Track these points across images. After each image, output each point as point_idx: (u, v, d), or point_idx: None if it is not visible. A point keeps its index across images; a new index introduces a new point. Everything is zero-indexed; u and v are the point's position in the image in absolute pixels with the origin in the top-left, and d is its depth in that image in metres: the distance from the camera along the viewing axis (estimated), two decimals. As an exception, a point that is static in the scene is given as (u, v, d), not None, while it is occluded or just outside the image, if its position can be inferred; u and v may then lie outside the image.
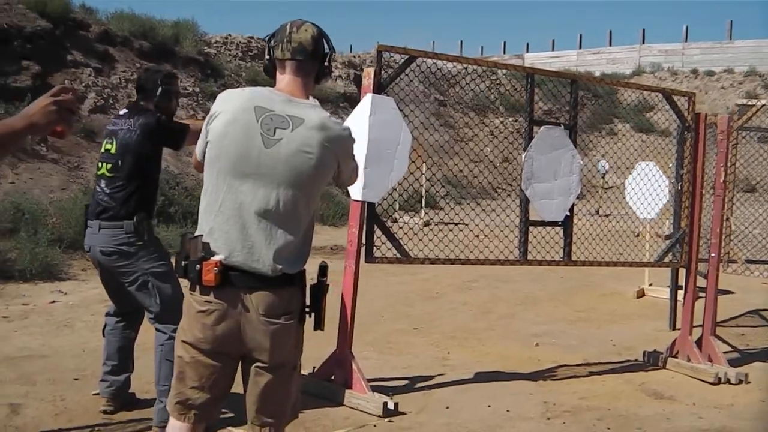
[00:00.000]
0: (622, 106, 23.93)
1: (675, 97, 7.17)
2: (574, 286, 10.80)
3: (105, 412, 5.00)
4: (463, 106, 25.51)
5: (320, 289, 3.13)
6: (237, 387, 3.18)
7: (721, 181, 6.87)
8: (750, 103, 7.34)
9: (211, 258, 2.96)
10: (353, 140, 3.20)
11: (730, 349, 7.71)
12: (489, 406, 5.73)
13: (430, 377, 6.36)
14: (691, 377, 6.70)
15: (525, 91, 6.44)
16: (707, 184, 7.20)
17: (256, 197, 2.96)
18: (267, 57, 3.18)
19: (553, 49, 46.26)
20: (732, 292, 10.26)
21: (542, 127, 6.37)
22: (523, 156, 6.23)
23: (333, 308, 5.75)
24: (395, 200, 15.65)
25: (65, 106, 2.54)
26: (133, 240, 4.67)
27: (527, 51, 46.92)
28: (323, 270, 3.14)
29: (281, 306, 3.00)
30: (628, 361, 7.19)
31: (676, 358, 7.00)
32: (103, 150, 4.88)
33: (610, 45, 42.82)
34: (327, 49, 3.20)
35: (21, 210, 10.39)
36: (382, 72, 5.71)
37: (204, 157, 3.09)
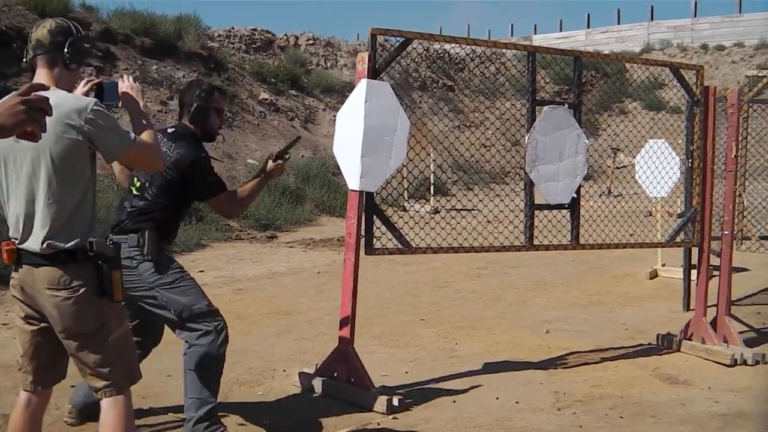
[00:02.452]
0: (631, 84, 23.65)
1: (683, 72, 6.97)
2: (586, 269, 10.62)
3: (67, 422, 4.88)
4: (472, 91, 25.27)
5: (100, 265, 3.37)
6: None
7: (733, 156, 6.66)
8: (761, 74, 7.10)
9: (8, 240, 3.39)
10: (100, 111, 3.32)
11: (746, 328, 7.50)
12: (497, 398, 5.55)
13: (438, 370, 6.20)
14: (707, 360, 6.50)
15: (527, 71, 6.24)
16: (718, 159, 6.99)
17: (21, 183, 3.31)
18: (25, 60, 3.48)
19: (561, 30, 45.86)
20: (747, 270, 10.07)
21: (545, 107, 6.18)
22: (527, 138, 6.05)
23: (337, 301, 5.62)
24: (405, 189, 15.46)
25: (35, 106, 2.35)
26: (135, 254, 4.45)
27: (535, 33, 46.57)
28: (91, 245, 3.33)
29: (63, 279, 3.30)
30: (642, 345, 7.00)
31: (691, 340, 6.80)
32: None
33: (619, 23, 42.44)
34: (71, 37, 3.43)
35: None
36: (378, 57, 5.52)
37: None
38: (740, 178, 6.78)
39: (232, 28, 23.51)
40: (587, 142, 6.28)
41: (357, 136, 5.24)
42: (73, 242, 3.31)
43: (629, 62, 7.69)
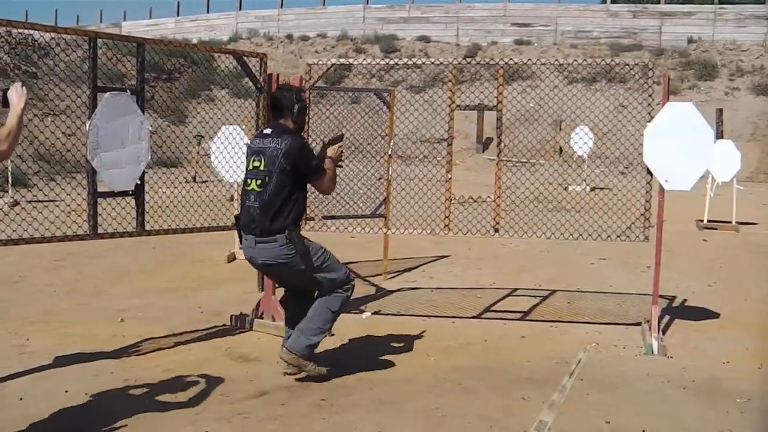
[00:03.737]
0: (219, 72, 23.95)
1: (247, 59, 7.18)
2: (167, 255, 10.58)
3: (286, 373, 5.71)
4: (57, 78, 24.13)
5: None
6: None
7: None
8: (320, 62, 7.50)
9: None
10: None
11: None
12: (66, 391, 5.38)
13: (9, 368, 5.85)
14: (277, 336, 6.73)
15: (88, 57, 6.05)
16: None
17: None
18: None
19: (150, 17, 45.31)
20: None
21: (107, 94, 6.05)
22: (87, 125, 5.88)
23: None
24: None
25: None
26: (288, 250, 5.31)
27: (125, 19, 45.63)
28: None
29: None
30: (216, 326, 7.15)
31: (262, 318, 7.06)
32: (251, 167, 5.45)
33: (208, 12, 42.81)
34: None
35: None
36: None
37: None
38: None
39: None
40: (150, 128, 6.26)
41: None
42: None
43: (192, 50, 7.76)
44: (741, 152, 14.06)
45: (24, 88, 4.36)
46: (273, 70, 7.24)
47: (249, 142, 5.91)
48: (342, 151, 5.82)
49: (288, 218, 5.33)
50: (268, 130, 5.59)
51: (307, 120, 5.80)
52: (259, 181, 5.36)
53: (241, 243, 5.59)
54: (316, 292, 5.67)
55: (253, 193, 5.38)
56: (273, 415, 5.07)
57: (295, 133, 5.51)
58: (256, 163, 5.41)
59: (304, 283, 5.62)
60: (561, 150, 21.55)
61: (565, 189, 18.53)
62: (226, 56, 7.02)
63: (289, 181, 5.34)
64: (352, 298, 5.87)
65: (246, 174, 5.56)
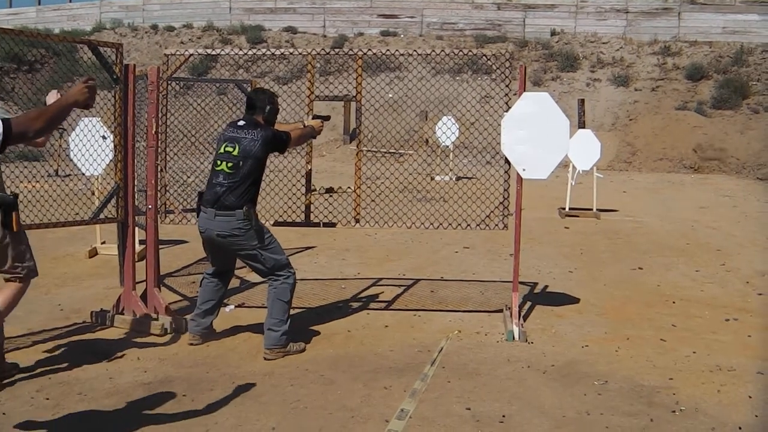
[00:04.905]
0: (82, 63, 23.28)
1: (102, 49, 7.01)
2: (27, 252, 10.25)
3: (191, 344, 6.43)
4: None
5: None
6: None
7: (153, 132, 6.83)
8: (178, 53, 7.40)
9: None
10: None
11: (180, 298, 7.86)
12: None
13: None
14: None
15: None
16: (141, 136, 7.15)
17: None
18: None
19: (10, 6, 43.58)
20: (187, 242, 10.52)
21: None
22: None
23: None
24: None
25: (93, 88, 4.16)
26: (243, 224, 6.02)
27: (-20, 7, 43.76)
28: None
29: None
30: (76, 324, 6.98)
31: (123, 314, 6.95)
32: (222, 151, 6.15)
33: (71, 1, 41.50)
34: None
35: None
36: None
37: None
38: (161, 154, 7.00)
39: None
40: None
41: None
42: None
43: (45, 40, 7.56)
44: (601, 142, 14.53)
45: (58, 93, 5.55)
46: (137, 61, 7.23)
47: (223, 130, 6.48)
48: (322, 126, 6.88)
49: (246, 197, 6.06)
50: (241, 123, 6.30)
51: (273, 120, 6.43)
52: (230, 164, 6.07)
53: (197, 216, 6.26)
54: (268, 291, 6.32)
55: (222, 173, 6.08)
56: (133, 412, 5.01)
57: (265, 126, 6.29)
58: (229, 149, 6.12)
59: (247, 259, 6.25)
60: (427, 140, 21.81)
61: (432, 179, 18.84)
62: (89, 47, 6.81)
63: (258, 166, 6.14)
64: None
65: (216, 156, 6.21)
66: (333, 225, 7.53)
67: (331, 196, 7.80)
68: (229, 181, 6.06)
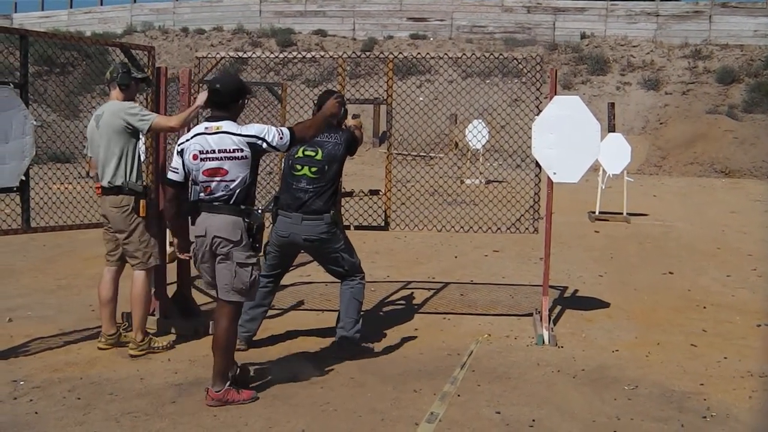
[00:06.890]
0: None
1: (134, 52, 7.07)
2: (57, 253, 10.37)
3: (238, 349, 5.84)
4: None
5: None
6: None
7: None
8: (209, 55, 7.44)
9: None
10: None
11: (210, 300, 7.84)
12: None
13: None
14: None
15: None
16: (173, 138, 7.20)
17: None
18: None
19: (42, 9, 44.03)
20: None
21: (-13, 90, 5.91)
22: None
23: None
24: None
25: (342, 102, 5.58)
26: (330, 229, 6.13)
27: (15, 11, 44.21)
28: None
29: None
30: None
31: (154, 315, 6.98)
32: (302, 155, 6.22)
33: (102, 5, 41.87)
34: None
35: None
36: None
37: None
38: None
39: None
40: (34, 122, 6.13)
41: None
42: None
43: (78, 42, 7.69)
44: (631, 145, 14.48)
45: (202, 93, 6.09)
46: (168, 64, 7.24)
47: None
48: (359, 124, 6.91)
49: (331, 201, 6.21)
50: None
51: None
52: (314, 169, 6.17)
53: (273, 221, 6.28)
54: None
55: (306, 178, 6.16)
56: (163, 413, 5.04)
57: (345, 129, 6.47)
58: (310, 153, 6.21)
59: (328, 262, 6.37)
60: (457, 144, 21.79)
61: (462, 182, 18.83)
62: (121, 50, 6.89)
63: (340, 169, 6.35)
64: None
65: (294, 160, 6.24)
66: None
67: (371, 198, 7.79)
68: (315, 185, 6.14)
